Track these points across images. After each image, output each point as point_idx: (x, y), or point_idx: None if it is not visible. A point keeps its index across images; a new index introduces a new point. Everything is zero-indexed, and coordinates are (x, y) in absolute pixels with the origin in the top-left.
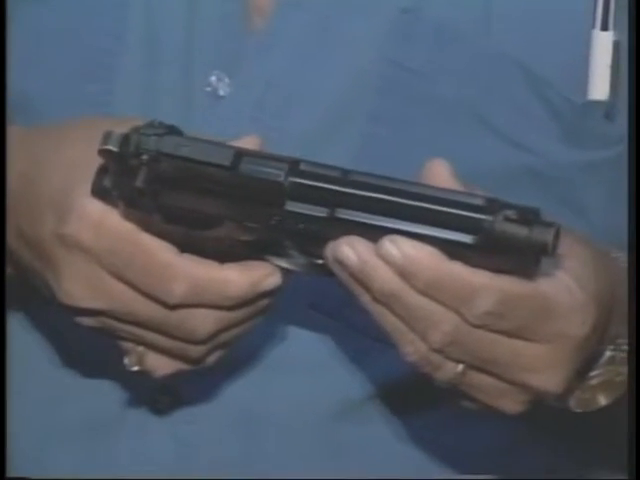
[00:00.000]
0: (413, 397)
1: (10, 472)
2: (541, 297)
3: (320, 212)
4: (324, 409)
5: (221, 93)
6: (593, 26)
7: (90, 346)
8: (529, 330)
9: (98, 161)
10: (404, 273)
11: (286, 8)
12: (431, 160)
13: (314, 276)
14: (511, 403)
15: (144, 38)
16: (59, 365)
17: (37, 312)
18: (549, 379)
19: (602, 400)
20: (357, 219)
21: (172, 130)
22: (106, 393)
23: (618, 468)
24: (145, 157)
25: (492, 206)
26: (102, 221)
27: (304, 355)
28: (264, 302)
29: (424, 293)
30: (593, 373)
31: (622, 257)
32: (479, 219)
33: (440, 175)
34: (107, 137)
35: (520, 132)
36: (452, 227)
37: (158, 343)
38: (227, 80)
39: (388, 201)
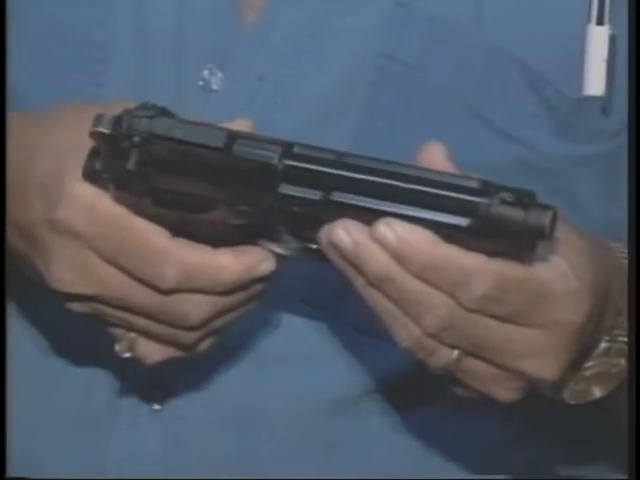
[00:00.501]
0: (409, 392)
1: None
2: (536, 281)
3: (314, 195)
4: (319, 404)
5: (214, 87)
6: (588, 20)
7: (81, 340)
8: (523, 315)
9: (88, 146)
10: (399, 256)
11: (278, 1)
12: (427, 143)
13: (307, 261)
14: (504, 390)
15: (135, 31)
16: (49, 358)
17: (27, 305)
18: (543, 365)
19: (597, 392)
20: (351, 202)
21: (164, 112)
22: (97, 387)
23: (618, 466)
24: (137, 139)
25: (488, 189)
26: (93, 205)
27: (299, 349)
28: (258, 287)
29: (419, 276)
30: (588, 364)
31: (619, 247)
32: (475, 202)
33: (435, 157)
34: (98, 119)
35: (514, 126)
36: (448, 210)
37: (150, 329)
38: (220, 74)
39: (383, 184)
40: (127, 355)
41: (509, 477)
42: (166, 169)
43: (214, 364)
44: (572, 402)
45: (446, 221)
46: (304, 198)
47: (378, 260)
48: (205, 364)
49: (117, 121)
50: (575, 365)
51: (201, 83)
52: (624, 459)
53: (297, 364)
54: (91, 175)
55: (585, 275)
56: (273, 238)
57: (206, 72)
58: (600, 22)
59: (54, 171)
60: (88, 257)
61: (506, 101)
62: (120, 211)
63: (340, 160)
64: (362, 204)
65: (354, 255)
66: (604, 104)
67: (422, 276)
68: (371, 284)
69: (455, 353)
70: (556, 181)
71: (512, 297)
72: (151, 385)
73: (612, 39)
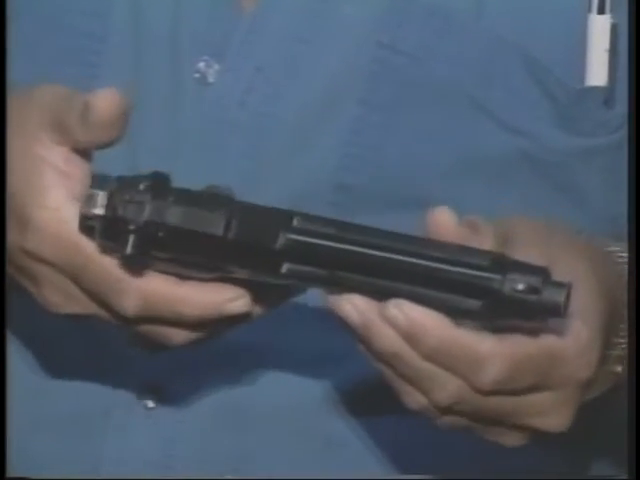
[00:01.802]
0: None
1: None
2: (549, 352)
3: (318, 274)
4: (317, 402)
5: (210, 80)
6: (589, 10)
7: (75, 342)
8: (537, 384)
9: (27, 158)
10: (408, 337)
11: None
12: (434, 210)
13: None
14: (512, 439)
15: (130, 22)
16: (44, 360)
17: (20, 307)
18: (554, 421)
19: (590, 395)
20: (358, 283)
21: (158, 186)
22: (91, 388)
23: (618, 465)
24: (132, 227)
25: (498, 268)
26: (58, 234)
27: (293, 349)
28: (244, 319)
29: (428, 358)
30: None
31: (618, 250)
32: (485, 284)
33: (444, 225)
34: (90, 199)
35: (516, 117)
36: (457, 291)
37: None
38: (216, 66)
39: (390, 262)
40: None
41: (510, 476)
42: (165, 248)
43: (209, 364)
44: None
45: (457, 305)
46: (308, 277)
47: (387, 339)
48: (200, 364)
49: (110, 201)
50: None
51: (197, 75)
52: (624, 459)
53: (291, 365)
54: (88, 230)
55: (594, 316)
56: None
57: (202, 64)
58: (601, 11)
59: (17, 195)
60: (66, 282)
61: (508, 92)
62: (82, 240)
63: (342, 234)
64: (369, 284)
65: (362, 332)
66: (607, 95)
67: (432, 358)
68: (379, 358)
69: (464, 421)
70: (559, 174)
71: (526, 374)
72: (146, 385)
73: (614, 28)
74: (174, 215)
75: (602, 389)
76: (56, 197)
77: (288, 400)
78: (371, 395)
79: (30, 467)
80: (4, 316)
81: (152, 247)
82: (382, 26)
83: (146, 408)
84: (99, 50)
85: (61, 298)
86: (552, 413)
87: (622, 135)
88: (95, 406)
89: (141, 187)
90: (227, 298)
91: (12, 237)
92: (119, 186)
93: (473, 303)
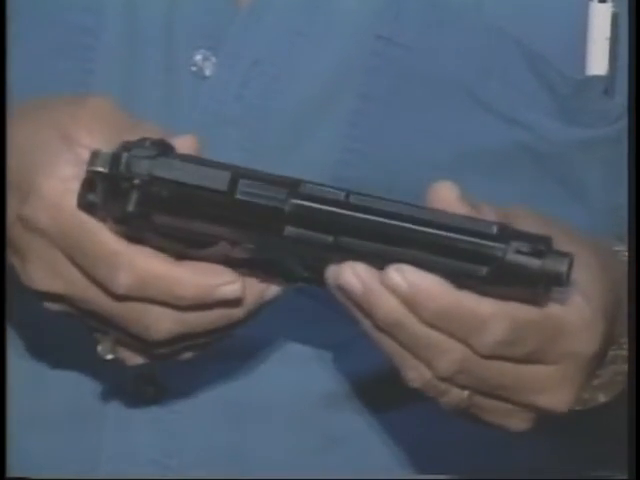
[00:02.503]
0: (405, 389)
1: None
2: (551, 321)
3: (322, 239)
4: (316, 398)
5: (207, 73)
6: None
7: (72, 336)
8: (538, 354)
9: (48, 140)
10: (410, 303)
11: None
12: (437, 183)
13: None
14: (517, 421)
15: (125, 15)
16: (40, 355)
17: (17, 302)
18: (557, 399)
19: (602, 398)
20: (361, 247)
21: (163, 147)
22: (88, 383)
23: (618, 465)
24: (137, 181)
25: (503, 235)
26: (59, 203)
27: (293, 344)
28: (235, 313)
29: (430, 324)
30: (596, 373)
31: (623, 250)
32: (490, 250)
33: (447, 199)
34: (95, 157)
35: (515, 109)
36: (461, 257)
37: (118, 337)
38: (213, 59)
39: (394, 227)
40: (109, 357)
41: (510, 474)
42: (167, 209)
43: (208, 359)
44: (577, 408)
45: (460, 269)
46: (311, 241)
47: (389, 306)
48: (199, 359)
49: (114, 159)
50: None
51: (194, 69)
52: (624, 455)
53: (292, 360)
54: (86, 206)
55: (597, 298)
56: (278, 273)
57: (199, 57)
58: None
59: (22, 169)
60: (56, 255)
61: (507, 84)
62: (82, 213)
63: (349, 201)
64: (372, 250)
65: (363, 300)
66: (607, 85)
67: (434, 323)
68: (379, 328)
69: (466, 393)
70: (559, 166)
71: (527, 340)
72: (144, 380)
73: (614, 17)
74: (179, 171)
75: (614, 391)
76: (65, 171)
77: (287, 395)
78: (371, 390)
79: (28, 463)
80: (4, 314)
81: (154, 207)
82: (380, 19)
83: (144, 403)
84: (94, 45)
85: (45, 274)
86: (555, 390)
87: (622, 126)
88: (93, 402)
89: (147, 144)
90: (221, 281)
91: (11, 206)
92: (124, 145)
93: (478, 269)
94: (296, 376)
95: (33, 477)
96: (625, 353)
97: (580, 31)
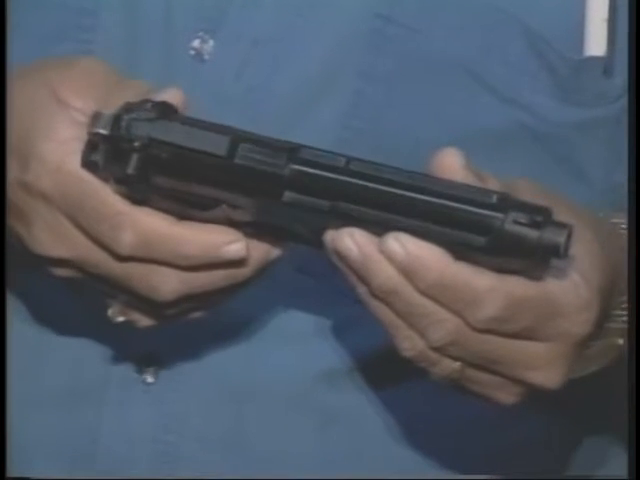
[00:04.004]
0: (403, 366)
1: None
2: (547, 298)
3: (321, 205)
4: (314, 377)
5: (206, 57)
6: None
7: (71, 314)
8: (533, 330)
9: (51, 103)
10: (407, 272)
11: None
12: (442, 150)
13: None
14: (506, 395)
15: None
16: (39, 333)
17: (16, 281)
18: (548, 376)
19: (593, 367)
20: (360, 213)
21: (165, 109)
22: (88, 362)
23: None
24: (137, 143)
25: (502, 205)
26: (60, 166)
27: (291, 323)
28: (240, 272)
29: (426, 293)
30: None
31: (622, 222)
32: (488, 220)
33: (452, 166)
34: (96, 118)
35: (515, 89)
36: (460, 227)
37: (127, 299)
38: (212, 42)
39: (394, 195)
40: (120, 319)
41: (505, 450)
42: (166, 172)
43: (207, 338)
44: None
45: (459, 240)
46: (310, 207)
47: (385, 274)
48: (198, 338)
49: (116, 121)
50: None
51: (192, 52)
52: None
53: (290, 339)
54: (90, 165)
55: (595, 278)
56: (281, 235)
57: (197, 41)
58: None
59: (22, 133)
60: (59, 219)
61: (506, 64)
62: (84, 173)
63: (349, 168)
64: (371, 217)
65: (361, 266)
66: (606, 65)
67: (429, 293)
68: (375, 295)
69: (458, 364)
70: (558, 146)
71: (522, 316)
72: (144, 359)
73: None
74: (179, 133)
75: (604, 361)
76: (64, 133)
77: (286, 373)
78: (370, 368)
79: (28, 441)
80: (4, 297)
81: (154, 170)
82: None
83: (144, 383)
84: (92, 26)
85: (50, 238)
86: (546, 367)
87: (621, 106)
88: (92, 381)
89: (148, 106)
90: (225, 240)
91: (12, 173)
92: (126, 106)
93: (476, 239)
94: (295, 354)
95: (33, 477)
96: (617, 326)
97: (578, 12)
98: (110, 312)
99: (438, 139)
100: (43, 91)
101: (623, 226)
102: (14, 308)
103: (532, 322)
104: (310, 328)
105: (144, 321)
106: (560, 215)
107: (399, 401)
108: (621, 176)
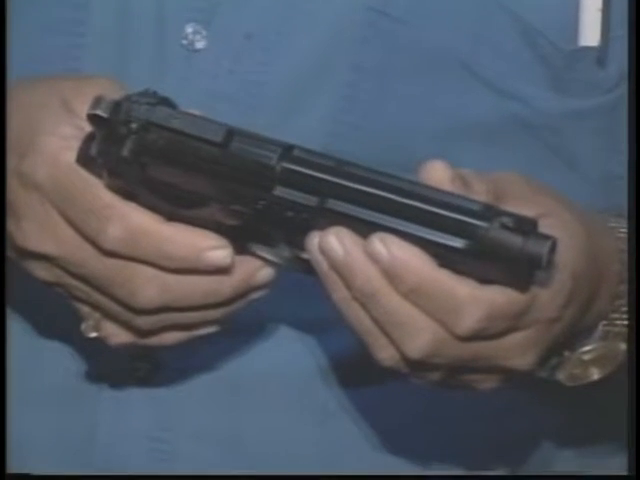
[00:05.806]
0: None
1: None
2: (525, 302)
3: (309, 201)
4: (313, 373)
5: (198, 47)
6: None
7: (66, 312)
8: (513, 327)
9: (55, 102)
10: (390, 274)
11: None
12: (428, 164)
13: (297, 272)
14: (484, 383)
15: None
16: (34, 332)
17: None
18: (523, 360)
19: (594, 374)
20: (347, 211)
21: (165, 101)
22: (84, 359)
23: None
24: (134, 126)
25: (488, 212)
26: (56, 158)
27: (288, 318)
28: (219, 289)
29: (407, 298)
30: (585, 349)
31: (619, 227)
32: (473, 224)
33: (439, 180)
34: (97, 102)
35: (508, 81)
36: (445, 230)
37: (105, 306)
38: (204, 32)
39: (381, 196)
40: (93, 335)
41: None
42: (161, 159)
43: (203, 336)
44: (569, 384)
45: (443, 242)
46: (299, 203)
47: (368, 274)
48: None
49: (116, 106)
50: (555, 350)
51: (184, 42)
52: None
53: (286, 334)
54: (85, 160)
55: (569, 260)
56: (265, 243)
57: (190, 30)
58: None
59: (26, 129)
60: (50, 213)
61: (499, 55)
62: (78, 167)
63: (339, 168)
64: (358, 215)
65: (344, 265)
66: (599, 55)
67: (411, 298)
68: (355, 299)
69: (438, 374)
70: (552, 137)
71: (502, 322)
72: (138, 357)
73: None
74: (176, 119)
75: (610, 368)
76: (66, 130)
77: (284, 369)
78: (367, 364)
79: (26, 439)
80: (4, 298)
81: (149, 156)
82: None
83: (139, 379)
84: (83, 19)
85: (39, 231)
86: (521, 353)
87: (615, 96)
88: (88, 377)
89: (150, 93)
90: (210, 245)
91: (11, 164)
92: (127, 95)
93: (459, 242)
94: (292, 350)
95: (33, 474)
96: (618, 330)
97: (572, 2)
98: (83, 327)
99: (431, 131)
100: (55, 99)
101: (622, 230)
102: (12, 309)
103: (511, 324)
104: (306, 325)
105: (117, 337)
106: (547, 205)
107: (399, 396)
108: (615, 166)
